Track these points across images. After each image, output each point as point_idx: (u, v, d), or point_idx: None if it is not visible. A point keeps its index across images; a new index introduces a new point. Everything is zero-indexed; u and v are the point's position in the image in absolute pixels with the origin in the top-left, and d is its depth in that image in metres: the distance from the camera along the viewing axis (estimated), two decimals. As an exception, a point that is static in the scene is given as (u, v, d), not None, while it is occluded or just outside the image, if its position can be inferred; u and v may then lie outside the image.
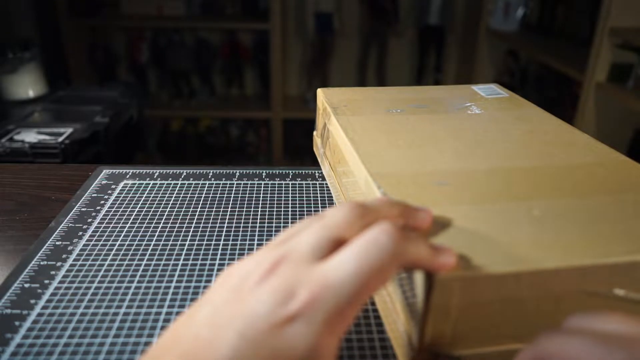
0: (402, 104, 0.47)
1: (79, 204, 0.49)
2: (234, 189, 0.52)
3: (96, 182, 0.53)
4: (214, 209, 0.48)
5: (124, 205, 0.48)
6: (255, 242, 0.43)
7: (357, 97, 0.49)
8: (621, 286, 0.26)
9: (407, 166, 0.35)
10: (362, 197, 0.35)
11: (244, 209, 0.48)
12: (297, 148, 2.22)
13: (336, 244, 0.22)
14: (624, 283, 0.26)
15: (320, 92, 0.50)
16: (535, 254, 0.26)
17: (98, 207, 0.48)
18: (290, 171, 0.56)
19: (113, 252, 0.41)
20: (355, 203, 0.25)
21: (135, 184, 0.53)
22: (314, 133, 0.54)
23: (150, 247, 0.42)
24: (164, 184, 0.53)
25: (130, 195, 0.50)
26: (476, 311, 0.25)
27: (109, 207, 0.48)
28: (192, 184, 0.53)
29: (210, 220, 0.46)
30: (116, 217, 0.46)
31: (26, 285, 0.37)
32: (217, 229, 0.45)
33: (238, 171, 0.56)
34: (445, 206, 0.30)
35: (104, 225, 0.45)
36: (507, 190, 0.32)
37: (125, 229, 0.45)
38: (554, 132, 0.41)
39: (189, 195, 0.51)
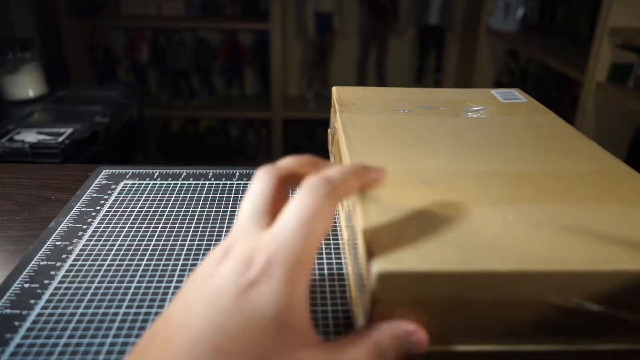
0: (412, 104, 0.46)
1: (78, 204, 0.49)
2: (234, 189, 0.52)
3: (96, 182, 0.53)
4: (214, 209, 0.48)
5: (124, 205, 0.48)
6: (255, 242, 0.43)
7: (368, 96, 0.48)
8: (581, 297, 0.25)
9: (393, 163, 0.34)
10: None
11: (244, 209, 0.48)
12: (297, 148, 2.22)
13: (271, 208, 0.25)
14: (583, 294, 0.25)
15: (334, 89, 0.50)
16: (491, 257, 0.25)
17: (98, 207, 0.48)
18: (290, 171, 0.56)
19: (113, 252, 0.41)
20: (269, 165, 0.28)
21: (135, 184, 0.53)
22: (328, 130, 0.54)
23: (150, 247, 0.42)
24: (164, 184, 0.53)
25: (130, 195, 0.50)
26: (424, 309, 0.25)
27: (108, 207, 0.48)
28: (192, 184, 0.53)
29: (210, 220, 0.46)
30: (116, 217, 0.46)
31: (26, 286, 0.37)
32: (217, 229, 0.45)
33: (238, 171, 0.56)
34: (417, 205, 0.29)
35: (104, 225, 0.45)
36: (489, 194, 0.31)
37: (125, 229, 0.45)
38: (562, 139, 0.40)
39: (189, 195, 0.51)
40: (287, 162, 0.28)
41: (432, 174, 0.33)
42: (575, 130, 0.42)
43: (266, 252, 0.22)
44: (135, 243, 0.43)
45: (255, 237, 0.23)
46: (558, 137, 0.40)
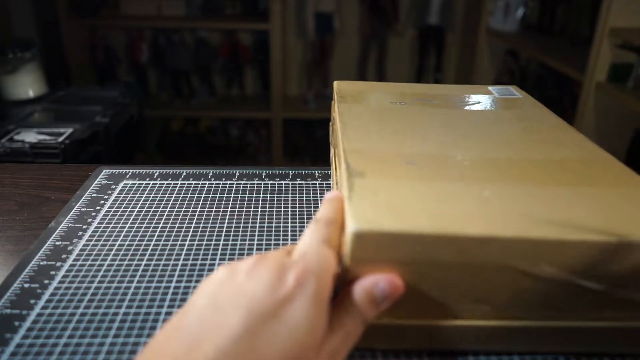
0: (409, 98, 0.48)
1: (78, 204, 0.49)
2: (234, 189, 0.52)
3: (96, 182, 0.53)
4: (214, 209, 0.48)
5: (124, 205, 0.48)
6: (255, 242, 0.43)
7: (367, 89, 0.50)
8: (550, 265, 0.26)
9: (383, 147, 0.36)
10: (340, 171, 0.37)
11: (244, 209, 0.48)
12: (297, 148, 2.22)
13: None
14: (552, 263, 0.26)
15: (335, 83, 0.51)
16: (463, 223, 0.26)
17: (98, 207, 0.48)
18: (290, 171, 0.56)
19: (113, 252, 0.41)
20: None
21: (135, 184, 0.53)
22: (330, 123, 0.56)
23: (150, 247, 0.42)
24: (164, 184, 0.53)
25: (130, 195, 0.50)
26: (398, 272, 0.27)
27: (108, 207, 0.48)
28: (192, 184, 0.53)
29: (210, 220, 0.46)
30: (116, 217, 0.46)
31: (26, 285, 0.37)
32: (217, 229, 0.45)
33: (238, 171, 0.56)
34: (400, 180, 0.31)
35: (103, 225, 0.45)
36: (469, 175, 0.32)
37: (125, 229, 0.45)
38: (549, 131, 0.41)
39: (189, 195, 0.51)
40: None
41: (416, 156, 0.35)
42: (565, 123, 0.43)
43: (299, 266, 0.24)
44: (135, 243, 0.43)
45: (284, 257, 0.26)
46: (546, 129, 0.41)
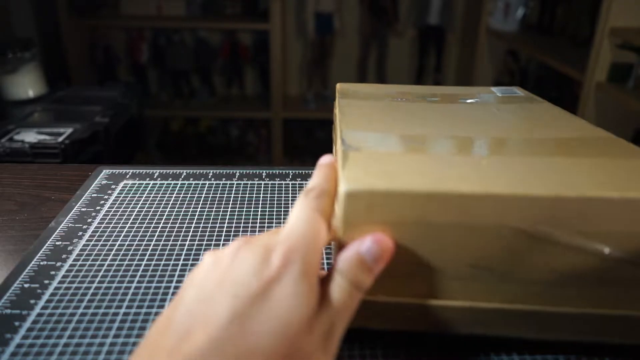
0: (410, 96, 0.47)
1: (78, 204, 0.49)
2: (234, 189, 0.52)
3: (96, 182, 0.53)
4: (214, 209, 0.48)
5: (124, 206, 0.48)
6: (255, 242, 0.43)
7: (369, 89, 0.49)
8: (547, 225, 0.26)
9: (379, 128, 0.36)
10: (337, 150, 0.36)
11: (244, 209, 0.48)
12: (297, 148, 2.22)
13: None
14: (549, 222, 0.26)
15: (338, 86, 0.51)
16: (458, 183, 0.26)
17: (98, 207, 0.48)
18: (290, 171, 0.56)
19: (113, 252, 0.41)
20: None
21: (135, 184, 0.53)
22: (332, 127, 0.55)
23: (150, 247, 0.42)
24: (164, 184, 0.53)
25: (130, 195, 0.50)
26: (393, 233, 0.26)
27: (108, 207, 0.48)
28: (192, 184, 0.53)
29: (210, 220, 0.46)
30: (116, 217, 0.46)
31: (26, 286, 0.37)
32: (217, 229, 0.45)
33: (238, 171, 0.56)
34: (396, 152, 0.31)
35: (104, 225, 0.45)
36: (467, 149, 0.32)
37: (125, 229, 0.45)
38: (551, 118, 0.40)
39: (189, 195, 0.51)
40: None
41: (416, 137, 0.34)
42: (569, 112, 0.42)
43: (285, 244, 0.24)
44: (135, 243, 0.43)
45: (270, 235, 0.25)
46: (547, 117, 0.41)
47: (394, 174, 0.27)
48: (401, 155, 0.30)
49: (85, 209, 0.48)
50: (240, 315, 0.22)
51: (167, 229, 0.45)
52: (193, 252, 0.42)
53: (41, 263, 0.40)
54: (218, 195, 0.51)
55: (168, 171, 0.56)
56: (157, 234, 0.44)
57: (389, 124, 0.37)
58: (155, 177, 0.54)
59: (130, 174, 0.55)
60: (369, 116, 0.39)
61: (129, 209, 0.48)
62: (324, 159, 0.31)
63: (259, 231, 0.45)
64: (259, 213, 0.48)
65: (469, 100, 0.46)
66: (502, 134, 0.36)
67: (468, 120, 0.39)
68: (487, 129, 0.37)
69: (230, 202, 0.50)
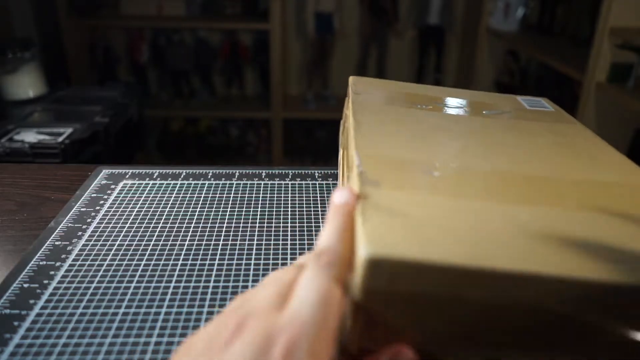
0: (429, 101, 0.44)
1: (78, 204, 0.49)
2: (233, 189, 0.52)
3: (96, 182, 0.53)
4: (214, 209, 0.48)
5: (123, 205, 0.48)
6: (255, 242, 0.43)
7: (387, 89, 0.46)
8: (597, 311, 0.22)
9: (399, 152, 0.32)
10: (351, 176, 0.32)
11: (244, 209, 0.48)
12: (297, 148, 2.22)
13: (290, 289, 0.23)
14: (599, 307, 0.22)
15: (351, 79, 0.48)
16: (501, 254, 0.22)
17: (97, 207, 0.48)
18: (290, 171, 0.56)
19: (112, 252, 0.41)
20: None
21: (134, 184, 0.53)
22: (341, 122, 0.52)
23: (150, 247, 0.42)
24: (163, 184, 0.53)
25: (129, 195, 0.50)
26: (415, 309, 0.23)
27: (108, 207, 0.48)
28: (191, 184, 0.53)
29: (210, 220, 0.46)
30: (116, 217, 0.46)
31: (25, 285, 0.37)
32: (217, 229, 0.45)
33: (238, 171, 0.56)
34: (420, 193, 0.27)
35: (103, 225, 0.45)
36: (500, 192, 0.29)
37: (125, 229, 0.45)
38: (584, 146, 0.37)
39: (188, 195, 0.51)
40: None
41: (439, 166, 0.31)
42: (602, 140, 0.39)
43: (288, 334, 0.20)
44: (135, 243, 0.43)
45: (272, 316, 0.21)
46: (580, 144, 0.37)
47: (423, 234, 0.23)
48: (427, 197, 0.27)
49: (84, 209, 0.48)
50: None
51: (166, 229, 0.45)
52: (193, 252, 0.42)
53: (40, 263, 0.40)
54: (218, 195, 0.51)
55: (168, 171, 0.55)
56: (156, 234, 0.44)
57: (409, 143, 0.34)
58: (155, 177, 0.54)
59: (130, 174, 0.55)
60: (389, 132, 0.35)
61: (128, 209, 0.48)
62: (339, 198, 0.26)
63: (259, 231, 0.45)
64: (259, 213, 0.48)
65: (494, 112, 0.42)
66: (534, 167, 0.32)
67: (495, 144, 0.35)
68: (517, 158, 0.33)
69: (230, 202, 0.50)
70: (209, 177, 0.55)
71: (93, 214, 0.47)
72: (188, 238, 0.44)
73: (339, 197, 0.26)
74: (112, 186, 0.52)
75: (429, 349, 0.24)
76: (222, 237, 0.44)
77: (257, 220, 0.46)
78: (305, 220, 0.47)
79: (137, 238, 0.43)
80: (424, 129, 0.37)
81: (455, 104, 0.44)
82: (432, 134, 0.36)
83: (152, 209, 0.48)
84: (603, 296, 0.22)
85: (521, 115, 0.43)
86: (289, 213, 0.48)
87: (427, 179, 0.29)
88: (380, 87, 0.46)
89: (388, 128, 0.36)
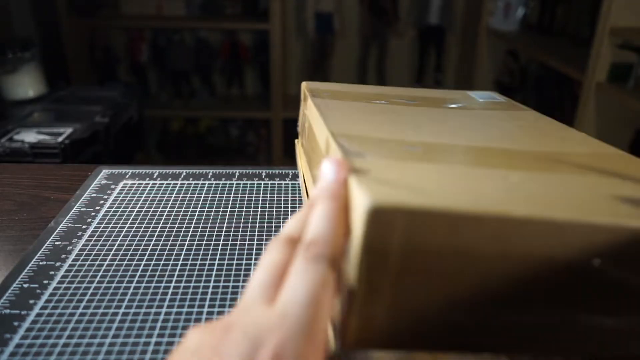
0: (387, 98, 0.44)
1: (78, 204, 0.49)
2: (233, 189, 0.52)
3: (96, 182, 0.53)
4: (214, 209, 0.48)
5: (123, 205, 0.48)
6: (255, 242, 0.43)
7: (341, 89, 0.46)
8: (600, 257, 0.22)
9: (374, 133, 0.31)
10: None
11: (244, 209, 0.48)
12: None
13: (279, 280, 0.22)
14: (603, 253, 0.21)
15: (303, 84, 0.47)
16: (503, 203, 0.21)
17: (97, 207, 0.48)
18: (290, 171, 0.56)
19: (112, 252, 0.41)
20: (278, 236, 0.24)
21: (134, 184, 0.53)
22: (297, 129, 0.51)
23: (150, 247, 0.42)
24: (163, 184, 0.53)
25: (129, 195, 0.50)
26: (422, 267, 0.20)
27: (108, 207, 0.48)
28: (191, 184, 0.53)
29: (210, 220, 0.46)
30: (116, 217, 0.46)
31: (25, 286, 0.37)
32: (217, 229, 0.45)
33: (238, 171, 0.56)
34: (408, 162, 0.25)
35: (103, 225, 0.45)
36: (485, 161, 0.28)
37: (125, 229, 0.44)
38: (548, 128, 0.38)
39: (188, 195, 0.51)
40: (294, 226, 0.24)
41: (417, 144, 0.30)
42: (561, 124, 0.40)
43: (276, 335, 0.19)
44: (135, 243, 0.43)
45: (260, 313, 0.21)
46: (544, 127, 0.38)
47: (422, 189, 0.21)
48: (416, 164, 0.25)
49: (84, 209, 0.48)
50: None
51: (166, 229, 0.45)
52: (193, 252, 0.42)
53: (40, 263, 0.40)
54: (218, 195, 0.51)
55: (168, 171, 0.55)
56: (156, 234, 0.44)
57: (380, 128, 0.33)
58: (155, 177, 0.54)
59: (130, 174, 0.55)
60: (355, 119, 0.34)
61: (128, 209, 0.48)
62: (329, 175, 0.24)
63: (259, 231, 0.45)
64: (259, 213, 0.48)
65: (451, 105, 0.43)
66: (508, 144, 0.32)
67: (463, 128, 0.36)
68: (489, 137, 0.34)
69: (230, 202, 0.50)
70: (209, 177, 0.55)
71: (93, 214, 0.47)
72: (188, 238, 0.43)
73: (329, 173, 0.24)
74: (112, 186, 0.52)
75: (436, 322, 0.22)
76: (222, 237, 0.44)
77: (257, 220, 0.46)
78: (305, 220, 0.47)
79: (137, 238, 0.43)
80: (392, 118, 0.36)
81: (413, 100, 0.44)
82: (401, 121, 0.35)
83: (152, 209, 0.48)
84: (625, 245, 0.21)
85: (479, 106, 0.44)
86: (289, 213, 0.48)
87: (409, 151, 0.28)
88: (336, 88, 0.46)
89: (356, 117, 0.35)
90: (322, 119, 0.33)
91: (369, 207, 0.19)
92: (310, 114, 0.39)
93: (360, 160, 0.24)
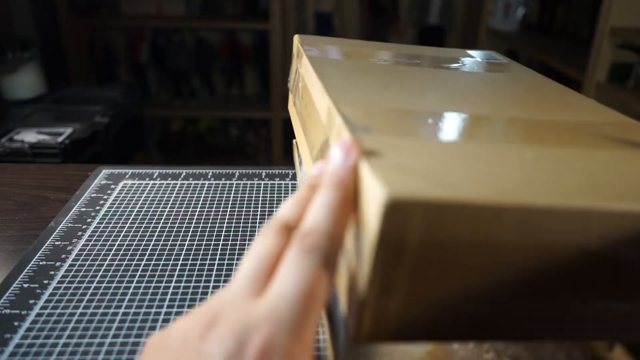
0: (386, 56, 0.42)
1: (78, 204, 0.49)
2: (233, 189, 0.52)
3: (95, 182, 0.53)
4: (214, 209, 0.48)
5: (123, 206, 0.48)
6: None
7: (338, 43, 0.43)
8: (625, 245, 0.20)
9: (379, 101, 0.29)
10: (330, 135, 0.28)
11: (244, 209, 0.48)
12: (297, 148, 2.21)
13: (270, 270, 0.21)
14: (627, 241, 0.20)
15: (297, 37, 0.44)
16: (525, 189, 0.20)
17: (97, 207, 0.48)
18: (290, 171, 0.56)
19: (112, 252, 0.41)
20: (273, 221, 0.23)
21: (134, 184, 0.53)
22: (289, 88, 0.48)
23: (150, 247, 0.42)
24: (163, 184, 0.53)
25: (129, 195, 0.50)
26: (442, 261, 0.19)
27: (108, 207, 0.48)
28: (191, 184, 0.53)
29: (210, 220, 0.46)
30: (115, 217, 0.46)
31: (25, 286, 0.37)
32: (217, 229, 0.45)
33: (238, 171, 0.56)
34: (417, 138, 0.24)
35: (103, 225, 0.45)
36: (497, 133, 0.27)
37: (125, 229, 0.44)
38: (556, 92, 0.36)
39: (188, 195, 0.51)
40: (290, 211, 0.23)
41: (425, 113, 0.28)
42: (566, 87, 0.38)
43: (263, 332, 0.18)
44: (135, 243, 0.43)
45: (248, 307, 0.19)
46: (550, 93, 0.37)
47: (438, 176, 0.20)
48: (427, 141, 0.24)
49: (84, 209, 0.48)
50: None
51: (166, 229, 0.45)
52: (193, 252, 0.42)
53: (40, 263, 0.40)
54: (217, 195, 0.51)
55: (168, 171, 0.55)
56: (156, 234, 0.44)
57: (385, 94, 0.30)
58: (154, 177, 0.54)
59: (129, 174, 0.55)
60: (356, 82, 0.32)
61: (128, 209, 0.48)
62: (337, 159, 0.22)
63: (259, 231, 0.45)
64: (259, 213, 0.48)
65: (453, 65, 0.41)
66: (518, 111, 0.30)
67: (470, 93, 0.34)
68: (498, 104, 0.32)
69: (230, 202, 0.50)
70: (209, 177, 0.55)
71: (93, 214, 0.47)
72: (188, 238, 0.43)
73: (337, 157, 0.22)
74: (112, 186, 0.52)
75: (457, 316, 0.21)
76: (222, 237, 0.44)
77: (257, 220, 0.46)
78: (305, 220, 0.47)
79: (137, 238, 0.43)
80: (395, 81, 0.33)
81: (413, 58, 0.42)
82: (405, 85, 0.33)
83: (152, 209, 0.48)
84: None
85: (481, 67, 0.42)
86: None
87: (420, 124, 0.26)
88: (331, 43, 0.43)
89: (356, 79, 0.32)
90: (321, 83, 0.30)
91: (386, 200, 0.18)
92: (306, 74, 0.36)
93: (370, 138, 0.23)
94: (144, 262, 0.40)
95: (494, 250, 0.20)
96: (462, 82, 0.36)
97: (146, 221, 0.46)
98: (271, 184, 0.53)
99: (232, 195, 0.51)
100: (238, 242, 0.43)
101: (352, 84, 0.31)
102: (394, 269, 0.19)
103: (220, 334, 0.18)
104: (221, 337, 0.18)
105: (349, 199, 0.21)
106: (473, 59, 0.45)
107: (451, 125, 0.27)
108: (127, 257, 0.41)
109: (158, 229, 0.45)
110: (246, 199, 0.50)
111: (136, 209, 0.48)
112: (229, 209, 0.48)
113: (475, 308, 0.21)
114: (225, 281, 0.38)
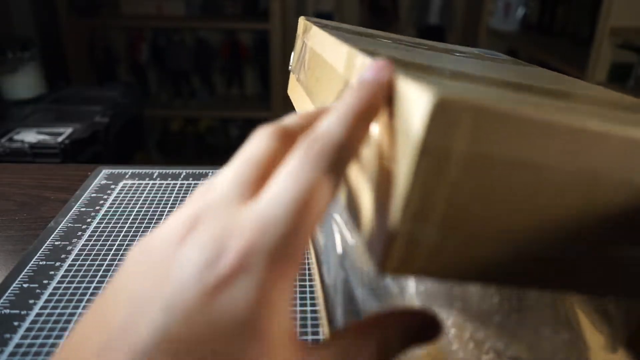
0: (394, 39, 0.41)
1: (78, 203, 0.49)
2: (233, 189, 0.52)
3: (95, 182, 0.53)
4: (214, 209, 0.48)
5: (123, 205, 0.48)
6: (255, 242, 0.43)
7: (347, 27, 0.42)
8: None
9: (399, 56, 0.28)
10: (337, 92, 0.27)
11: (244, 209, 0.48)
12: (297, 148, 2.22)
13: (263, 177, 0.18)
14: None
15: (302, 19, 0.43)
16: (576, 116, 0.19)
17: (97, 207, 0.48)
18: (290, 171, 0.56)
19: (112, 252, 0.41)
20: (270, 124, 0.20)
21: (134, 184, 0.53)
22: (290, 70, 0.47)
23: (150, 247, 0.42)
24: (163, 184, 0.53)
25: (129, 195, 0.50)
26: (485, 179, 0.18)
27: (108, 207, 0.48)
28: (191, 184, 0.53)
29: (210, 220, 0.46)
30: (115, 217, 0.46)
31: (25, 285, 0.37)
32: (216, 229, 0.45)
33: (238, 171, 0.56)
34: (458, 82, 0.23)
35: (103, 225, 0.45)
36: (533, 89, 0.26)
37: (125, 229, 0.44)
38: (564, 78, 0.38)
39: (188, 195, 0.51)
40: (295, 120, 0.20)
41: (455, 73, 0.27)
42: (576, 79, 0.39)
43: (245, 238, 0.16)
44: (135, 243, 0.43)
45: (233, 212, 0.17)
46: (553, 76, 0.38)
47: (486, 97, 0.19)
48: (467, 84, 0.22)
49: (84, 209, 0.48)
50: (171, 339, 0.15)
51: (166, 229, 0.45)
52: (192, 252, 0.42)
53: (40, 263, 0.40)
54: (217, 195, 0.51)
55: (167, 171, 0.55)
56: (156, 234, 0.44)
57: (410, 57, 0.29)
58: (154, 177, 0.54)
59: (129, 174, 0.55)
60: (373, 47, 0.30)
61: (128, 209, 0.48)
62: (369, 67, 0.20)
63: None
64: (259, 213, 0.48)
65: (465, 54, 0.42)
66: (540, 82, 0.30)
67: (487, 68, 0.33)
68: (518, 76, 0.32)
69: (230, 202, 0.50)
70: (209, 177, 0.55)
71: (93, 213, 0.47)
72: (188, 238, 0.44)
73: (367, 73, 0.20)
74: (112, 186, 0.52)
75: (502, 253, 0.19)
76: (222, 237, 0.44)
77: (257, 220, 0.46)
78: (305, 220, 0.47)
79: (137, 238, 0.43)
80: (412, 55, 0.32)
81: (420, 45, 0.41)
82: (424, 59, 0.31)
83: (152, 209, 0.48)
84: None
85: (490, 58, 0.43)
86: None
87: (452, 75, 0.25)
88: (340, 26, 0.40)
89: (374, 50, 0.29)
90: (336, 38, 0.29)
91: (434, 100, 0.16)
92: (317, 41, 0.34)
93: (404, 71, 0.20)
94: (143, 262, 0.40)
95: (538, 172, 0.18)
96: (472, 63, 0.35)
97: (146, 221, 0.46)
98: (271, 184, 0.53)
99: (232, 195, 0.51)
100: (238, 242, 0.43)
101: (368, 45, 0.29)
102: (433, 184, 0.17)
103: (200, 239, 0.16)
104: (200, 243, 0.16)
105: (373, 114, 0.19)
106: (478, 52, 0.46)
107: (481, 80, 0.25)
108: (127, 257, 0.41)
109: (158, 229, 0.45)
110: (246, 199, 0.50)
111: (136, 209, 0.48)
112: (228, 209, 0.48)
113: (516, 245, 0.19)
114: (225, 281, 0.38)
